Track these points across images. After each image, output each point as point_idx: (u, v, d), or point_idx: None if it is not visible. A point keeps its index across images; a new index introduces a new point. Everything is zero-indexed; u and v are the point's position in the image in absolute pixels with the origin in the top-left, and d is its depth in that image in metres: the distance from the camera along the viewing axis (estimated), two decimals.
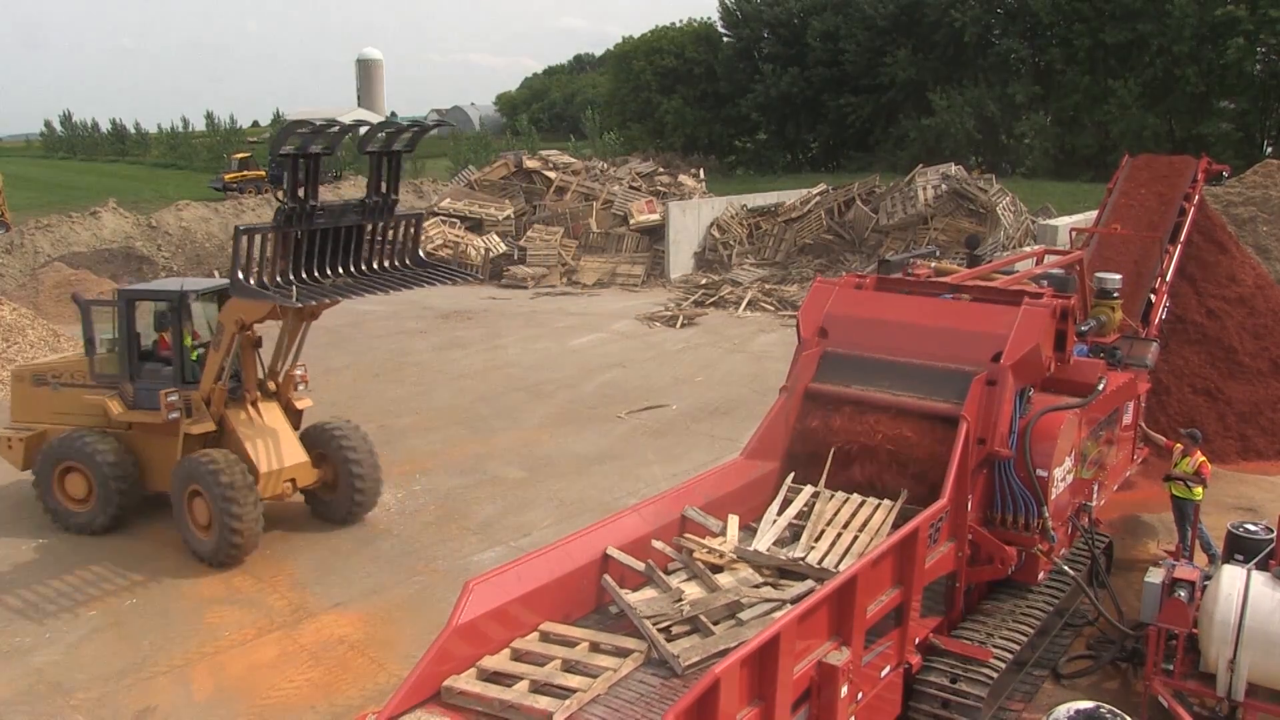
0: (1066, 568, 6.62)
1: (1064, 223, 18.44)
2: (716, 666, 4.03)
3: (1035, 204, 27.19)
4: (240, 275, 7.43)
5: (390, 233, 8.35)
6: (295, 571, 8.58)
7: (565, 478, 10.74)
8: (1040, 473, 6.15)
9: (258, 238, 7.51)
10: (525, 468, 11.09)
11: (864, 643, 4.96)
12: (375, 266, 8.21)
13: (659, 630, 4.84)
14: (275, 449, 8.79)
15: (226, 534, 8.26)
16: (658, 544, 5.44)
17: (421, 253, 8.73)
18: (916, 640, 5.61)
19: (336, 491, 9.40)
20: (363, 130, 8.06)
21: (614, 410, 13.20)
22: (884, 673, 5.25)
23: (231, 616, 7.75)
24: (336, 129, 7.75)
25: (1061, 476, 6.35)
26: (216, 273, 17.04)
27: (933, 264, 7.88)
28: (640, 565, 5.34)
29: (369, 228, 8.14)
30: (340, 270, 7.96)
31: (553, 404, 13.62)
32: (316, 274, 7.79)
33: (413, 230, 8.51)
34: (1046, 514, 6.15)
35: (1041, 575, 6.48)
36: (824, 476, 6.12)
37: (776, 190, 28.61)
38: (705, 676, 4.00)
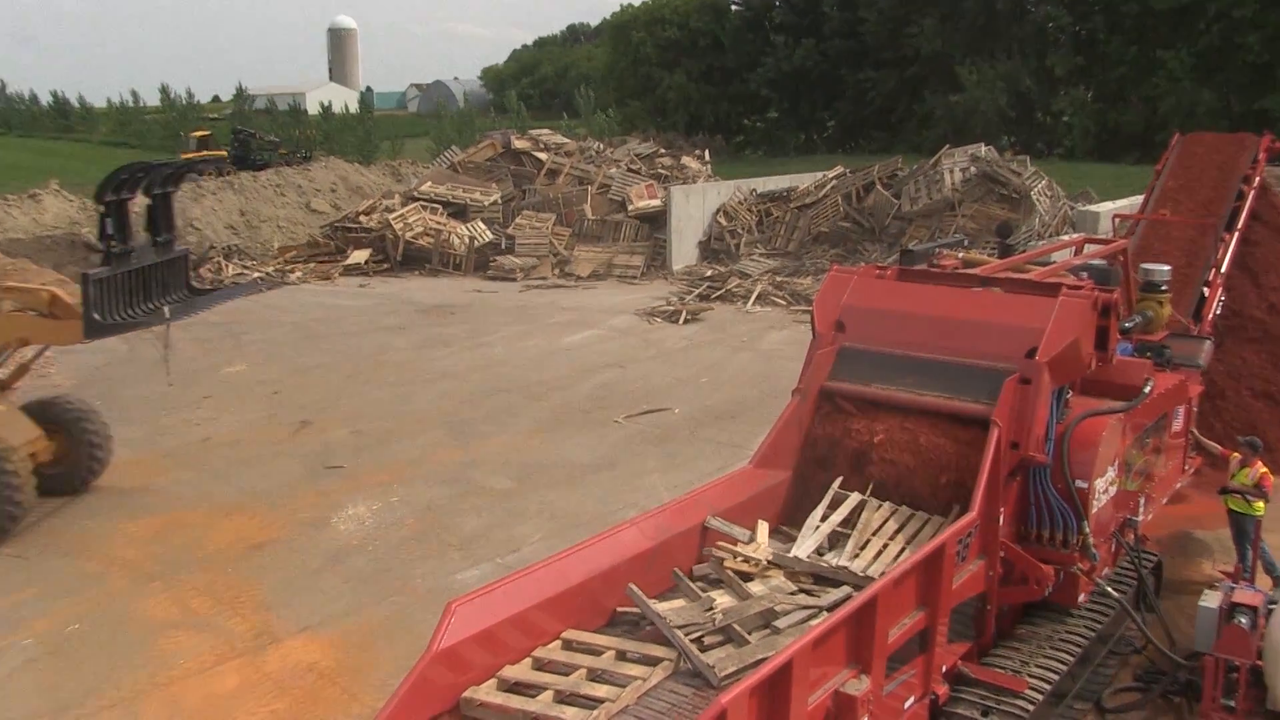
0: (1110, 589, 6.59)
1: (1106, 209, 18.45)
2: (723, 696, 4.01)
3: (1074, 188, 27.24)
4: (96, 317, 9.56)
5: (169, 268, 10.73)
6: (258, 591, 8.55)
7: (557, 488, 10.73)
8: (1080, 483, 6.12)
9: (103, 281, 9.72)
10: (514, 477, 11.09)
11: (885, 671, 4.94)
12: (160, 299, 10.54)
13: (691, 640, 4.88)
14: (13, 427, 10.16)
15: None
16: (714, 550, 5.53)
17: (195, 281, 11.64)
18: (944, 668, 5.58)
19: (69, 461, 10.59)
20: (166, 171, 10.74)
21: (611, 414, 13.20)
22: (908, 704, 5.22)
23: (187, 642, 7.71)
24: (167, 169, 10.66)
25: (1104, 488, 6.33)
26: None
27: (960, 254, 7.85)
28: (743, 533, 5.55)
29: (160, 264, 10.58)
30: (142, 303, 10.29)
31: (544, 407, 13.62)
32: (130, 309, 10.13)
33: (184, 264, 11.17)
34: (1087, 529, 6.13)
35: (1082, 597, 6.45)
36: (831, 488, 6.09)
37: (789, 174, 28.63)
38: (711, 707, 3.98)
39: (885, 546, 5.65)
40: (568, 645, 5.00)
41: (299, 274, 24.01)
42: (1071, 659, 6.19)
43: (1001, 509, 5.80)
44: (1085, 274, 7.36)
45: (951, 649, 5.74)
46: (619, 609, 5.31)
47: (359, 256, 24.49)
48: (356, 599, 8.43)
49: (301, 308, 20.65)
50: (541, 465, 11.44)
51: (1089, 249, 8.90)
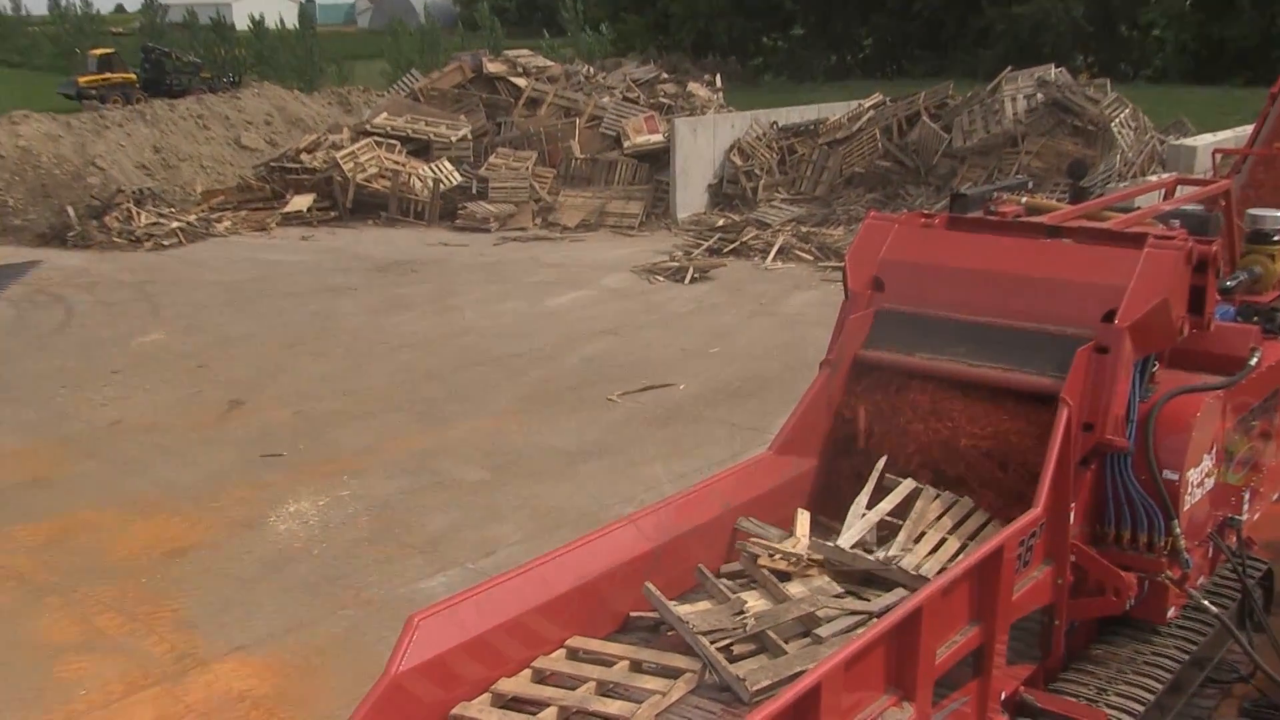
0: (1207, 602, 6.57)
1: (1205, 142, 18.36)
2: None
3: (1165, 118, 27.08)
4: None
5: None
6: (181, 606, 8.57)
7: (540, 480, 10.79)
8: (1169, 474, 6.09)
9: None
10: (488, 467, 11.14)
11: (931, 698, 4.92)
12: None
13: (718, 649, 4.90)
14: None
15: None
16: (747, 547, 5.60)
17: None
18: (1002, 695, 5.56)
19: None
20: None
21: (603, 391, 13.25)
22: None
23: (91, 668, 7.71)
24: None
25: (1198, 480, 6.31)
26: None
27: (1023, 199, 7.81)
28: (778, 534, 5.63)
29: None
30: None
31: (523, 384, 13.68)
32: None
33: None
34: (1178, 530, 6.10)
35: (1172, 612, 6.43)
36: (873, 479, 6.09)
37: (816, 103, 28.55)
38: None
39: (943, 541, 5.67)
40: (573, 654, 5.05)
41: (228, 224, 24.03)
42: (1160, 686, 6.18)
43: (1072, 504, 5.76)
44: (1177, 221, 7.31)
45: (1012, 672, 5.72)
46: (633, 613, 5.34)
47: (300, 203, 24.47)
48: (299, 613, 8.45)
49: (231, 264, 20.65)
50: (521, 453, 11.47)
51: (1183, 191, 8.85)
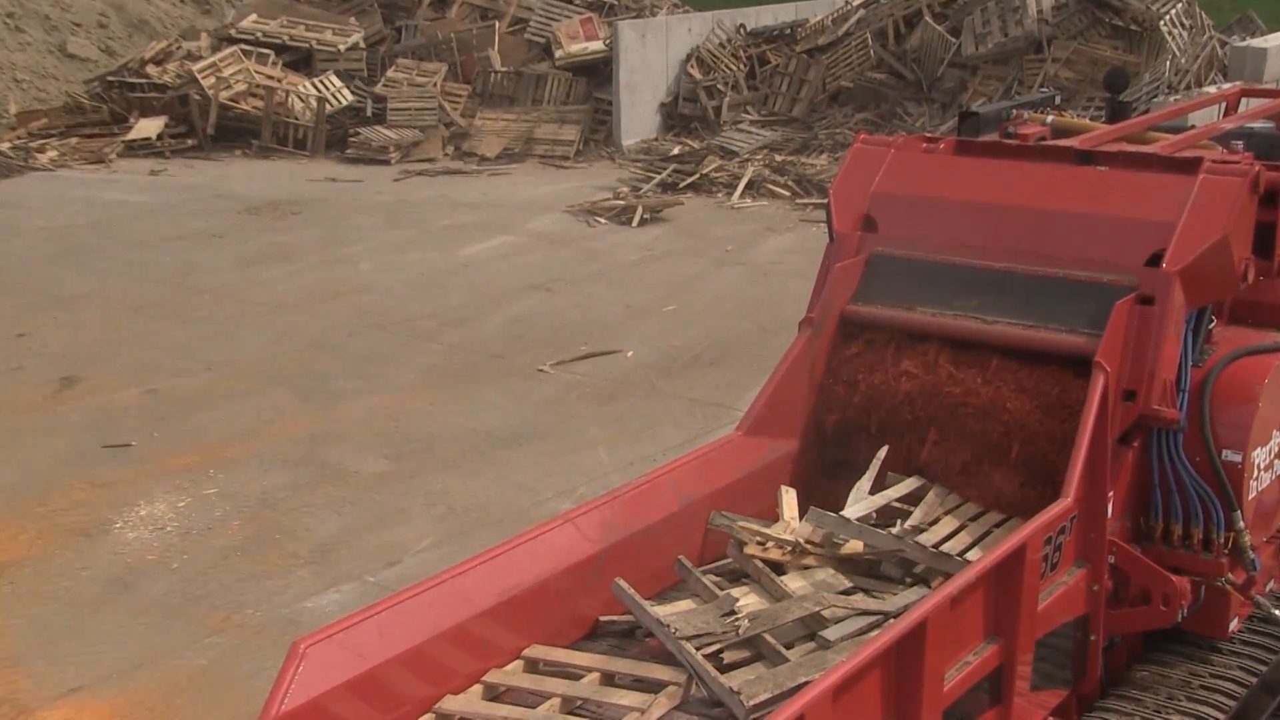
0: (1278, 612, 6.67)
1: (1277, 44, 18.48)
2: None
3: (1227, 16, 27.27)
4: None
5: None
6: (2, 639, 8.46)
7: (456, 471, 10.80)
8: (1229, 455, 6.16)
9: None
10: (390, 455, 11.13)
11: None
12: None
13: (706, 657, 4.97)
14: None
15: None
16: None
17: None
18: None
19: None
20: None
21: (533, 361, 13.27)
22: None
23: None
24: None
25: (1265, 462, 6.38)
26: None
27: (1049, 118, 7.85)
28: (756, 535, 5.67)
29: None
30: None
31: (435, 352, 13.68)
32: None
33: None
34: (1240, 523, 6.18)
35: (1235, 624, 6.53)
36: (873, 470, 6.14)
37: (793, 0, 28.48)
38: None
39: (962, 527, 5.79)
40: (532, 667, 5.13)
41: (53, 154, 23.55)
42: (1221, 717, 6.26)
43: (1110, 493, 5.82)
44: (1241, 143, 7.37)
45: (1038, 699, 5.78)
46: (603, 617, 5.42)
47: (148, 129, 24.07)
48: (154, 643, 8.37)
49: (60, 206, 20.34)
50: (432, 437, 11.47)
51: (1248, 105, 8.92)
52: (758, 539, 5.72)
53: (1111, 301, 5.88)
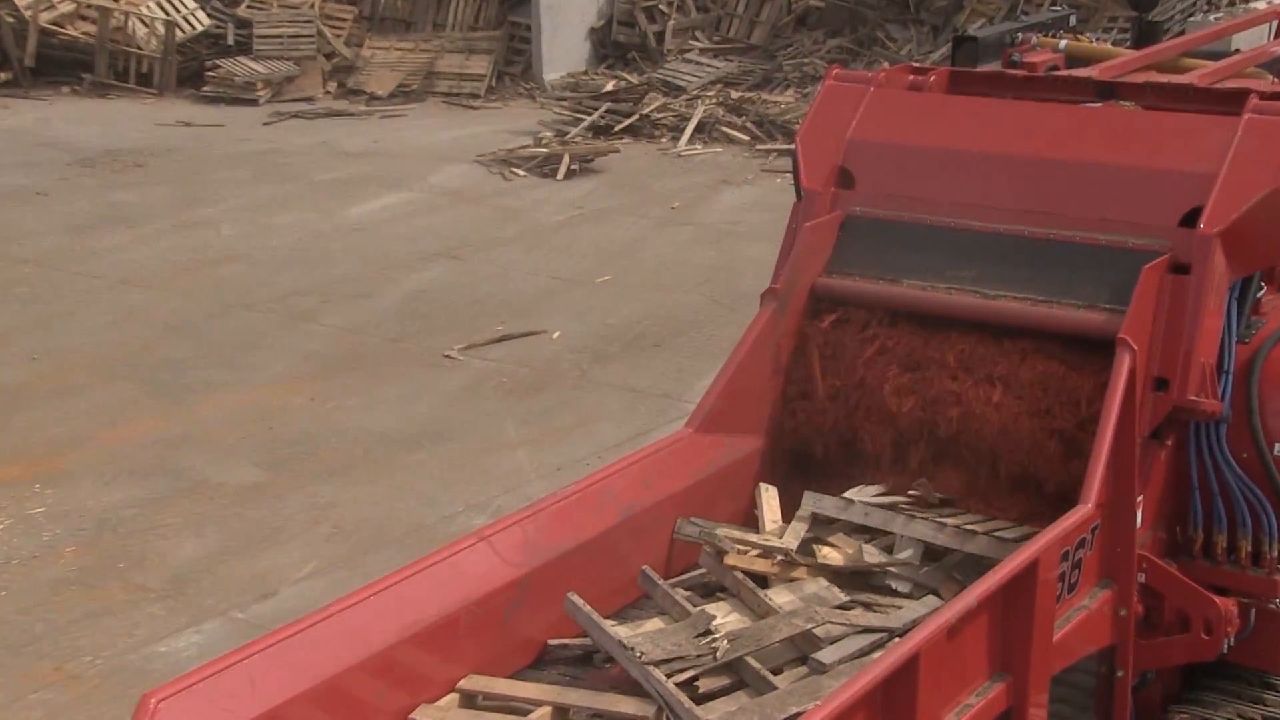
0: None
1: None
2: None
3: None
4: None
5: None
6: None
7: (344, 480, 10.79)
8: None
9: None
10: (263, 463, 11.09)
11: None
12: None
13: (679, 685, 4.97)
14: None
15: None
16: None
17: None
18: None
19: None
20: None
21: (438, 344, 13.27)
22: None
23: None
24: None
25: None
26: None
27: (1062, 43, 7.91)
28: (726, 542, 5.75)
29: None
30: None
31: (315, 335, 13.66)
32: None
33: None
34: None
35: None
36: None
37: None
38: None
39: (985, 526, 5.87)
40: (469, 701, 5.15)
41: None
42: None
43: (1140, 498, 5.90)
44: None
45: None
46: (552, 641, 5.46)
47: None
48: None
49: None
50: (314, 440, 11.46)
51: None
52: (740, 547, 5.75)
53: (1138, 269, 5.91)
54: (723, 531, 5.85)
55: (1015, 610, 5.21)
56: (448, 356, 12.99)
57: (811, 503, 5.93)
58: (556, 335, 13.43)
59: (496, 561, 5.51)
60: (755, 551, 5.75)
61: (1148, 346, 5.93)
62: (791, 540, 5.83)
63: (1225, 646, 6.16)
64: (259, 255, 15.91)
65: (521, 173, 19.08)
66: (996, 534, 5.73)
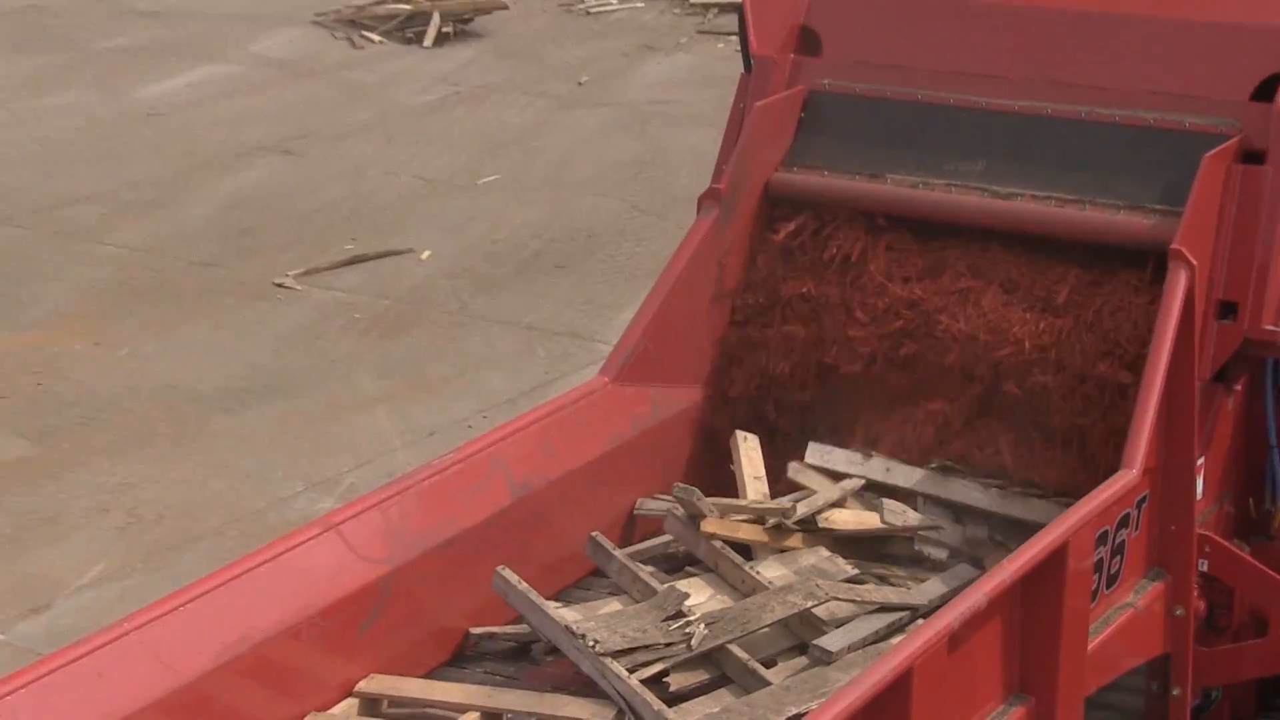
0: None
1: None
2: None
3: None
4: None
5: None
6: None
7: (142, 452, 10.71)
8: None
9: None
10: (32, 430, 11.01)
11: None
12: None
13: (644, 682, 5.01)
14: None
15: None
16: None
17: None
18: None
19: None
20: None
21: (267, 269, 13.23)
22: None
23: None
24: None
25: None
26: None
27: None
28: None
29: None
30: None
31: (100, 259, 13.57)
32: None
33: None
34: None
35: None
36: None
37: None
38: None
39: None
40: (371, 707, 5.21)
41: None
42: None
43: (1200, 461, 5.95)
44: None
45: None
46: (475, 630, 5.53)
47: None
48: None
49: None
50: (101, 399, 11.37)
51: None
52: (714, 509, 5.76)
53: (1195, 157, 5.92)
54: (674, 491, 5.86)
55: (1037, 611, 5.23)
56: (280, 286, 12.91)
57: (819, 455, 5.96)
58: (426, 255, 13.37)
59: (349, 558, 5.47)
60: (743, 516, 5.78)
61: (1210, 261, 5.96)
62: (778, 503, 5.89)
63: None
64: (20, 151, 15.75)
65: (376, 38, 18.98)
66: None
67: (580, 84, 17.38)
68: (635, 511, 6.13)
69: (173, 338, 12.16)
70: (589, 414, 6.26)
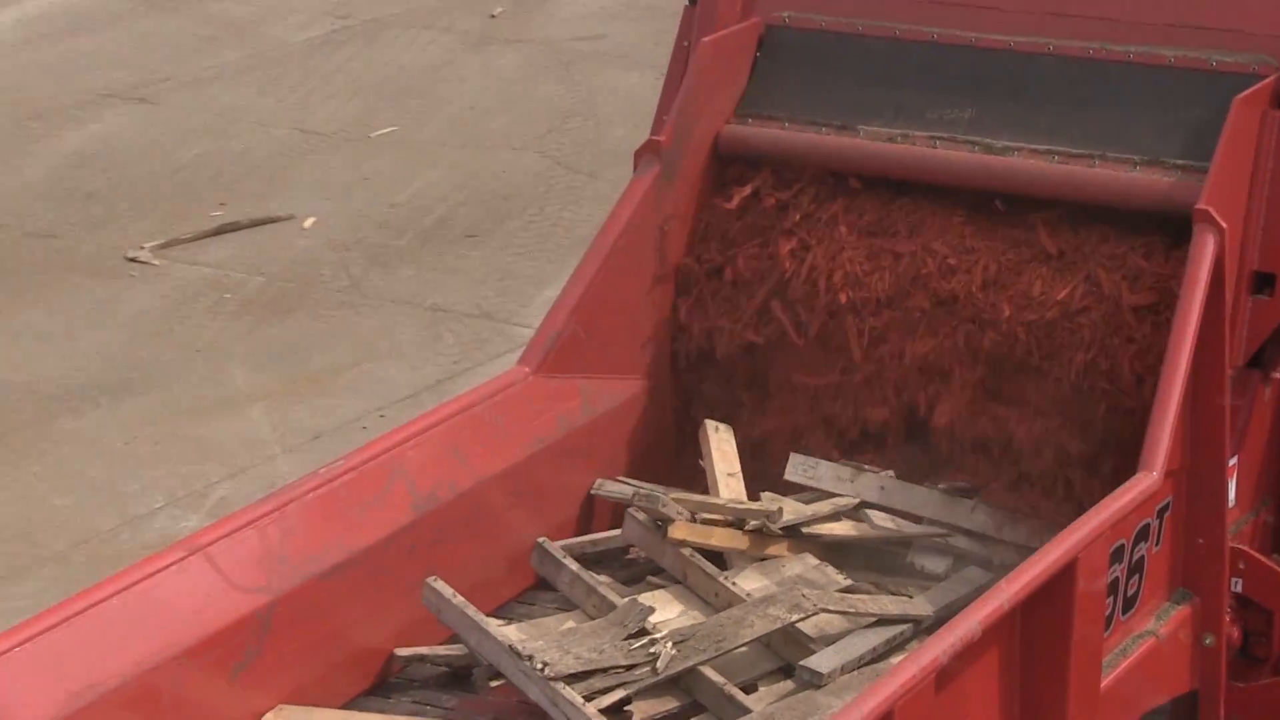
0: None
1: None
2: None
3: None
4: None
5: None
6: None
7: None
8: None
9: None
10: None
11: None
12: None
13: (603, 711, 5.05)
14: None
15: None
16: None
17: None
18: None
19: None
20: None
21: (118, 240, 13.22)
22: None
23: None
24: None
25: None
26: None
27: None
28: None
29: None
30: None
31: None
32: None
33: None
34: None
35: None
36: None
37: None
38: None
39: None
40: None
41: None
42: None
43: (1233, 462, 5.93)
44: None
45: None
46: (400, 651, 5.51)
47: None
48: None
49: None
50: None
51: None
52: (683, 512, 5.76)
53: (1224, 104, 5.92)
54: (676, 496, 5.88)
55: (1041, 641, 5.23)
56: (134, 260, 12.87)
57: (801, 470, 5.95)
58: (310, 223, 13.36)
59: (219, 587, 5.41)
60: (717, 518, 5.80)
61: (1242, 225, 5.96)
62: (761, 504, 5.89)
63: None
64: None
65: None
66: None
67: (493, 16, 17.40)
68: (592, 492, 6.17)
69: (5, 325, 12.09)
70: (506, 411, 6.23)
